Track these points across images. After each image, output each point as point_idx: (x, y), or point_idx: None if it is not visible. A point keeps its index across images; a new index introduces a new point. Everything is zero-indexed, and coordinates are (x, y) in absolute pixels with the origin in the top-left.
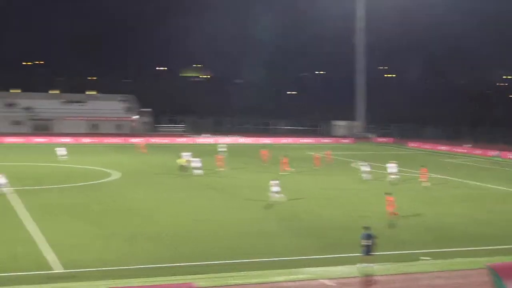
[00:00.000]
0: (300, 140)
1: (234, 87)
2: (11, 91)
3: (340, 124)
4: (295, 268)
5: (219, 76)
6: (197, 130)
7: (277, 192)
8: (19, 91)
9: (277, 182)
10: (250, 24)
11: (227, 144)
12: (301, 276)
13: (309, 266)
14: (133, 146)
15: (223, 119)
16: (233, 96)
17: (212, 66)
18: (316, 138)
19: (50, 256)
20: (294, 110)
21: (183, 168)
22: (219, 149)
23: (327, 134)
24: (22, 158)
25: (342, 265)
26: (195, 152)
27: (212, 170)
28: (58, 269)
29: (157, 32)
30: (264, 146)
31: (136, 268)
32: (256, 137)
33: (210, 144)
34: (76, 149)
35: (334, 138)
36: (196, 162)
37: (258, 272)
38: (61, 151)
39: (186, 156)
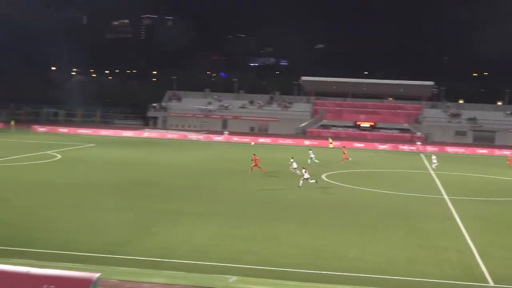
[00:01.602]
0: None
1: None
2: (459, 102)
3: None
4: None
5: None
6: None
7: None
8: (463, 102)
9: None
10: None
11: None
12: None
13: None
14: None
15: None
16: None
17: None
18: None
19: (480, 268)
20: None
21: None
22: None
23: None
24: (463, 168)
25: None
26: None
27: None
28: (487, 282)
29: None
30: None
31: None
32: None
33: None
34: None
35: None
36: None
37: None
38: (434, 160)
39: None
